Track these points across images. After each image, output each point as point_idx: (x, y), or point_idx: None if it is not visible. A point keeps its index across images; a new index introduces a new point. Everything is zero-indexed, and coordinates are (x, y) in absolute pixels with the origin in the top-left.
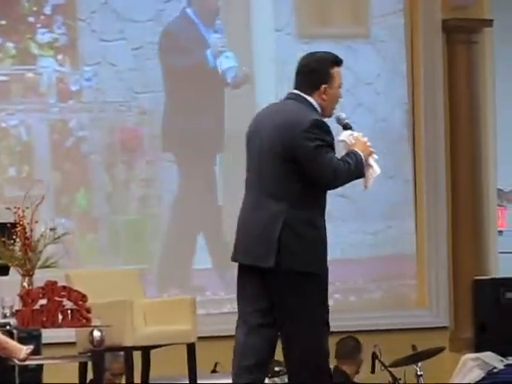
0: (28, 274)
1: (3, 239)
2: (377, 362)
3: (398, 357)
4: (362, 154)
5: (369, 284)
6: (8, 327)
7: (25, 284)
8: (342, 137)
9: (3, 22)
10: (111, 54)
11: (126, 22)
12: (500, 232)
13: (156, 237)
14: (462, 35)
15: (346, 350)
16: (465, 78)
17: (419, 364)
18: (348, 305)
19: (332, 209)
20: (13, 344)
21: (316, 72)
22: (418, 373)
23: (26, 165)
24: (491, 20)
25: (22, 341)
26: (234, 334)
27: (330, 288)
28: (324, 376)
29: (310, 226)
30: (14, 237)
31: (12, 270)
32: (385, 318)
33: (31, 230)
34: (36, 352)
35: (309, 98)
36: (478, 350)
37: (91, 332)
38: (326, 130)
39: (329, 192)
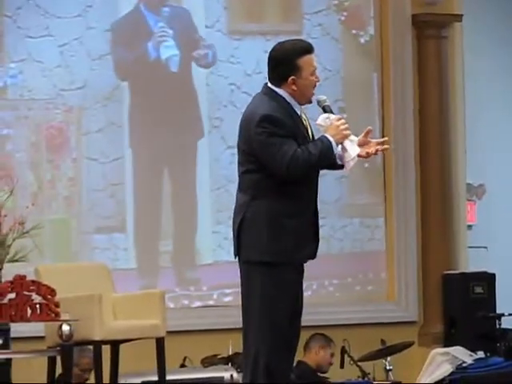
0: None
1: None
2: (346, 356)
3: (368, 351)
4: (331, 138)
5: (338, 279)
6: None
7: None
8: (319, 120)
9: None
10: (37, 51)
11: (51, 18)
12: (469, 226)
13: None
14: (431, 30)
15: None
16: (435, 73)
17: (388, 358)
18: (317, 300)
19: None
20: None
21: (282, 64)
22: (387, 367)
23: None
24: (461, 15)
25: None
26: (202, 328)
27: None
28: (258, 371)
29: (271, 216)
30: None
31: None
32: (354, 313)
33: None
34: (5, 346)
35: (278, 90)
36: (446, 344)
37: (60, 326)
38: (277, 122)
39: None
